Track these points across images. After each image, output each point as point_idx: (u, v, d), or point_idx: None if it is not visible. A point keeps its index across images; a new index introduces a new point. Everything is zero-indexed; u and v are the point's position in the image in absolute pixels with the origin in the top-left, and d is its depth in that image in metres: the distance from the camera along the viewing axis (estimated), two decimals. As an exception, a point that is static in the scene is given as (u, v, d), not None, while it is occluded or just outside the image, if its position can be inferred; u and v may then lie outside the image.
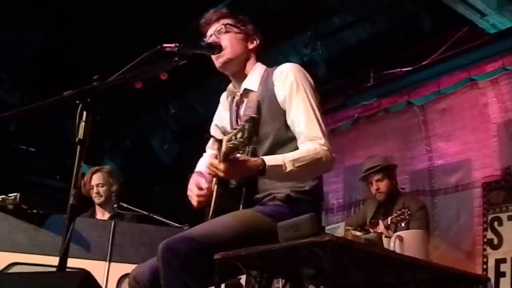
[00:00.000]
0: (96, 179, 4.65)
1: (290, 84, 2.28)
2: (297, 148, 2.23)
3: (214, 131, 2.64)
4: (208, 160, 2.27)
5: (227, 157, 1.99)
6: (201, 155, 2.74)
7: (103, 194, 4.61)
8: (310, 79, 2.36)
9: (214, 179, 2.31)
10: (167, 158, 7.91)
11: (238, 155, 1.98)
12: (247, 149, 2.02)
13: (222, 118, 2.60)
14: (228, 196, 2.27)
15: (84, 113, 1.95)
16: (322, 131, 2.23)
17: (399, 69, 5.61)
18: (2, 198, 3.51)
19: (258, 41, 2.49)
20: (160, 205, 7.49)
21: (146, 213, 4.46)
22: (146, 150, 7.93)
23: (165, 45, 2.15)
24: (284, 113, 2.29)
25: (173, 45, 2.16)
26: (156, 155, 7.93)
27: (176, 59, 2.14)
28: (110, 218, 4.48)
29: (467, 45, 5.10)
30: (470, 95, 5.24)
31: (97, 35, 5.67)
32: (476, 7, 4.64)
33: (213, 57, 2.41)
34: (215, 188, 2.29)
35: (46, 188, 7.64)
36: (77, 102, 1.95)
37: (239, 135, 1.91)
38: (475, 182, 5.01)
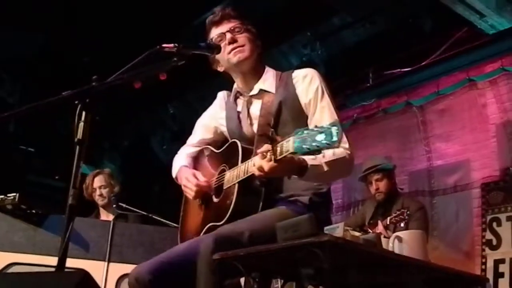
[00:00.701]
0: (98, 181, 4.70)
1: (315, 88, 2.33)
2: None
3: (202, 127, 2.67)
4: (254, 159, 2.22)
5: (284, 157, 1.96)
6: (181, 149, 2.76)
7: (106, 195, 4.65)
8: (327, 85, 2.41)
9: (230, 178, 2.30)
10: (166, 158, 7.90)
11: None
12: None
13: (216, 117, 2.61)
14: (248, 197, 2.26)
15: (83, 113, 1.94)
16: (344, 135, 2.25)
17: (398, 70, 5.62)
18: (1, 198, 3.51)
19: (261, 47, 2.51)
20: (159, 205, 7.48)
21: (145, 213, 4.47)
22: (145, 150, 7.93)
23: (164, 45, 2.15)
24: (305, 115, 2.33)
25: (172, 45, 2.16)
26: (155, 155, 7.93)
27: (175, 59, 2.14)
28: (115, 219, 4.49)
29: (466, 46, 5.11)
30: (469, 96, 5.24)
31: (96, 35, 5.67)
32: (475, 7, 4.64)
33: (228, 52, 2.40)
34: (235, 187, 2.27)
35: (45, 188, 7.64)
36: (76, 102, 1.95)
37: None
38: (474, 182, 5.02)
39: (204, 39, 2.47)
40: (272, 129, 2.06)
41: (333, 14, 5.55)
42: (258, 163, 2.06)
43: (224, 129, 2.58)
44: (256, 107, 2.44)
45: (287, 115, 2.33)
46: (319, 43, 5.71)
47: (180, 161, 2.64)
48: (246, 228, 2.10)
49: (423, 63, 5.40)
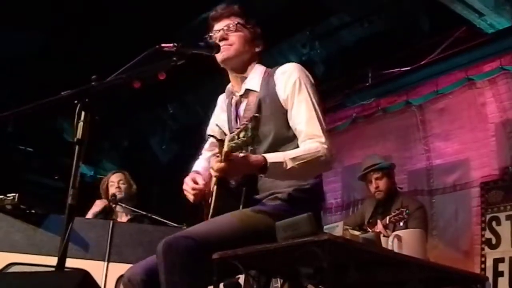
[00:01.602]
0: (117, 176, 4.75)
1: (292, 83, 2.30)
2: (297, 147, 2.24)
3: (211, 133, 2.64)
4: (210, 161, 2.28)
5: (228, 156, 1.99)
6: (199, 155, 2.74)
7: (124, 191, 4.65)
8: (311, 78, 2.38)
9: (214, 179, 2.31)
10: (165, 158, 7.90)
11: (241, 154, 1.98)
12: (249, 148, 2.01)
13: (219, 119, 2.60)
14: (228, 196, 2.27)
15: (83, 113, 1.95)
16: (322, 129, 2.25)
17: (397, 69, 5.62)
18: (1, 198, 3.51)
19: (262, 47, 2.50)
20: (158, 205, 7.48)
21: (144, 213, 4.47)
22: (145, 150, 7.93)
23: (163, 44, 2.15)
24: (285, 112, 2.30)
25: (171, 44, 2.16)
26: (154, 155, 7.92)
27: (175, 58, 2.14)
28: (129, 221, 4.50)
29: (465, 45, 5.11)
30: (468, 95, 5.25)
31: (95, 35, 5.67)
32: (474, 7, 4.64)
33: (220, 51, 2.41)
34: (214, 188, 2.29)
35: (44, 188, 7.64)
36: (76, 102, 1.95)
37: (242, 134, 1.92)
38: (473, 181, 5.02)
39: (203, 39, 2.46)
40: (233, 130, 2.03)
41: (331, 14, 5.55)
42: (212, 165, 2.10)
43: (226, 131, 2.56)
44: (242, 107, 2.44)
45: (267, 112, 2.30)
46: (318, 42, 5.71)
47: (194, 166, 2.64)
48: (201, 232, 2.08)
49: (422, 63, 5.40)
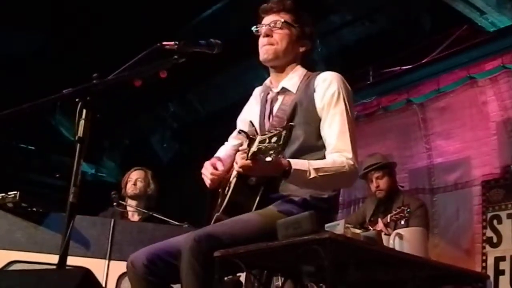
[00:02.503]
0: (137, 174, 4.76)
1: (331, 93, 2.28)
2: (323, 158, 2.23)
3: (240, 122, 2.63)
4: (236, 154, 2.24)
5: (255, 156, 1.97)
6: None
7: (139, 188, 4.65)
8: (351, 92, 2.35)
9: (235, 172, 2.30)
10: (166, 156, 7.90)
11: (268, 158, 1.93)
12: (279, 156, 1.98)
13: (252, 111, 2.57)
14: (245, 191, 2.26)
15: (84, 111, 1.95)
16: (352, 146, 2.23)
17: (399, 67, 5.61)
18: (2, 196, 3.50)
19: (309, 47, 2.46)
20: (159, 203, 7.49)
21: (145, 211, 4.48)
22: (145, 148, 7.93)
23: (164, 43, 2.15)
24: (318, 120, 2.28)
25: (172, 43, 2.15)
26: (155, 153, 7.92)
27: (176, 57, 2.14)
28: (141, 220, 4.50)
29: (466, 44, 5.11)
30: (469, 93, 5.24)
31: (96, 34, 5.67)
32: (476, 5, 4.64)
33: (261, 46, 2.39)
34: (234, 180, 2.28)
35: (45, 186, 7.65)
36: (77, 100, 1.95)
37: (273, 139, 1.89)
38: (475, 180, 5.02)
39: (204, 37, 2.46)
40: (267, 132, 1.99)
41: (333, 12, 5.54)
42: (237, 160, 2.09)
43: (256, 124, 2.52)
44: (277, 106, 2.41)
45: (301, 117, 2.29)
46: (319, 41, 5.70)
47: (218, 152, 2.61)
48: (226, 231, 2.09)
49: (423, 61, 5.40)
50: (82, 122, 1.93)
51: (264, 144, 1.91)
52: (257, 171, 2.07)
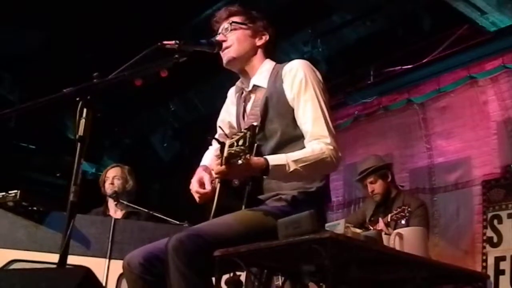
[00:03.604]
0: (114, 172, 4.72)
1: (299, 81, 2.26)
2: (304, 147, 2.22)
3: (220, 124, 2.62)
4: (213, 162, 2.26)
5: (228, 161, 1.98)
6: (201, 153, 2.74)
7: (117, 186, 4.63)
8: (319, 76, 2.34)
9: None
10: (166, 155, 7.91)
11: (240, 161, 1.94)
12: (248, 156, 1.99)
13: (229, 112, 2.59)
14: (231, 195, 2.26)
15: (84, 110, 1.95)
16: (329, 129, 2.21)
17: (399, 67, 5.62)
18: (2, 195, 3.51)
19: (267, 37, 2.46)
20: (159, 203, 7.49)
21: (146, 210, 4.48)
22: (146, 148, 7.94)
23: (165, 42, 2.15)
24: (292, 110, 2.27)
25: (173, 42, 2.16)
26: (155, 152, 7.93)
27: (176, 56, 2.14)
28: (125, 215, 4.49)
29: (467, 43, 5.11)
30: (470, 93, 5.25)
31: (97, 33, 5.67)
32: (476, 5, 4.64)
33: (222, 54, 2.41)
34: (218, 186, 2.28)
35: (46, 185, 7.65)
36: (77, 99, 1.95)
37: (240, 142, 1.91)
38: (475, 180, 5.02)
39: (204, 36, 2.46)
40: (233, 136, 1.99)
41: (333, 12, 5.54)
42: (213, 167, 2.10)
43: (234, 124, 2.55)
44: (250, 104, 2.42)
45: (274, 111, 2.29)
46: (320, 40, 5.70)
47: (203, 159, 2.61)
48: (211, 230, 2.09)
49: (424, 61, 5.40)
50: (82, 121, 1.93)
51: (233, 148, 1.93)
52: (234, 175, 2.09)
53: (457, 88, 5.33)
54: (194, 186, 2.36)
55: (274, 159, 2.11)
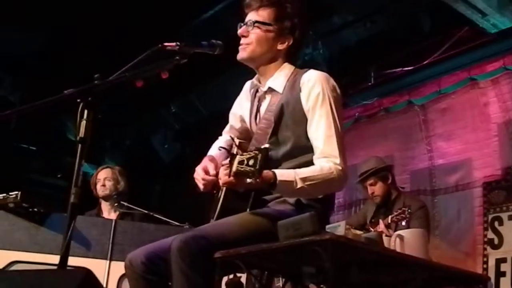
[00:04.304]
0: (104, 173, 4.70)
1: (316, 95, 2.23)
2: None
3: (232, 116, 2.61)
4: (221, 169, 2.22)
5: (236, 175, 1.94)
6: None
7: (109, 188, 4.62)
8: (338, 91, 2.30)
9: None
10: (167, 157, 7.91)
11: (248, 180, 1.91)
12: (257, 180, 1.92)
13: (242, 106, 2.55)
14: (236, 197, 2.25)
15: (85, 111, 1.95)
16: (340, 149, 2.21)
17: (400, 69, 5.62)
18: (3, 196, 3.51)
19: (291, 41, 2.36)
20: (160, 204, 7.49)
21: (146, 212, 4.48)
22: (147, 149, 7.94)
23: (166, 43, 2.15)
24: (306, 121, 2.25)
25: (174, 43, 2.15)
26: (156, 154, 7.93)
27: (177, 58, 2.14)
28: (120, 216, 4.48)
29: (468, 45, 5.11)
30: (470, 95, 5.24)
31: (97, 34, 5.68)
32: (477, 6, 4.63)
33: (239, 47, 2.36)
34: (223, 188, 2.27)
35: (46, 186, 7.65)
36: (78, 100, 1.95)
37: (251, 162, 1.87)
38: (476, 181, 5.02)
39: (205, 38, 2.45)
40: (244, 153, 1.94)
41: (334, 14, 5.54)
42: (220, 176, 2.07)
43: (247, 120, 2.51)
44: (264, 106, 2.38)
45: (289, 118, 2.27)
46: (320, 42, 5.71)
47: (211, 150, 2.57)
48: (214, 232, 2.09)
49: (424, 62, 5.39)
50: (83, 123, 1.94)
51: (242, 166, 1.89)
52: (241, 187, 2.07)
53: (458, 89, 5.33)
54: (200, 173, 2.33)
55: (282, 175, 2.09)
